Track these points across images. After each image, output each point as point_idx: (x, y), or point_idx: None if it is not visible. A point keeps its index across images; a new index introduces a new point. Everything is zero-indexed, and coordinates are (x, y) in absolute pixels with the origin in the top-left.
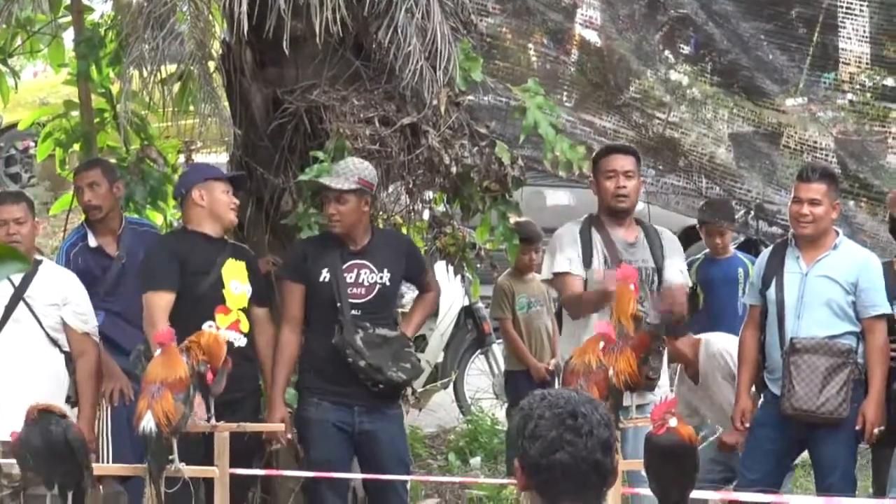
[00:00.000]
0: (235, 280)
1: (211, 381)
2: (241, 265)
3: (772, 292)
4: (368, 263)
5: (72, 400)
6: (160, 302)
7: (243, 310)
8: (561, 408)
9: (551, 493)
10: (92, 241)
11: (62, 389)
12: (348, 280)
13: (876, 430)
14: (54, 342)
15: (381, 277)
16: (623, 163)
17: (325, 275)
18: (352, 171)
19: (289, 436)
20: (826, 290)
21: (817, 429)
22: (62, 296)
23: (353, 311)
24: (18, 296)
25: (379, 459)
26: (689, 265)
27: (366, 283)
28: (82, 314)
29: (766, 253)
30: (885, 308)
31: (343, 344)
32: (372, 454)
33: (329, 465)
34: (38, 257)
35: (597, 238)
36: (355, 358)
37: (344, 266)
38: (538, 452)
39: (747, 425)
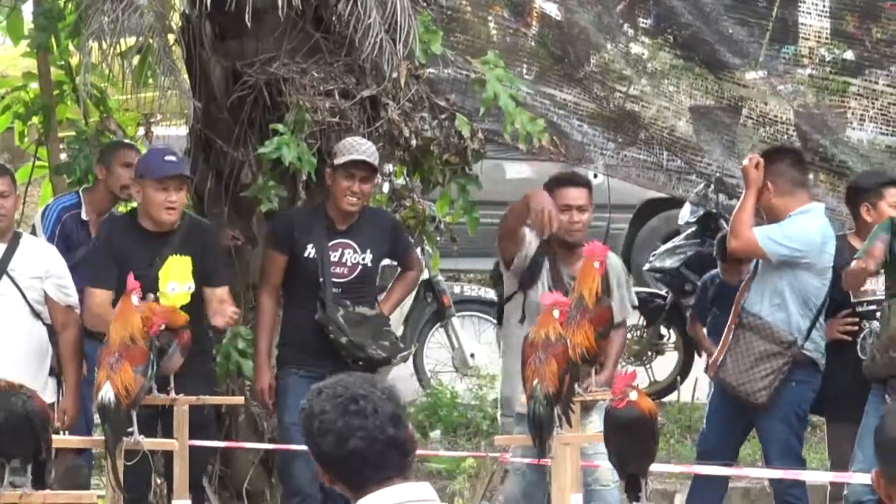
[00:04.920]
0: (173, 281)
1: (186, 340)
2: (186, 261)
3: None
4: (353, 243)
5: (55, 371)
6: (97, 298)
7: (184, 306)
8: (340, 396)
9: (355, 481)
10: (84, 214)
11: (46, 362)
12: (332, 258)
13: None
14: (37, 315)
15: (364, 258)
16: (576, 195)
17: (310, 250)
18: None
19: (270, 403)
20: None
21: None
22: (45, 268)
23: (335, 290)
24: (1, 269)
25: None
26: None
27: (348, 263)
28: (65, 287)
29: None
30: None
31: (326, 320)
32: None
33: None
34: (18, 230)
35: (545, 266)
36: (337, 335)
37: (330, 244)
38: (332, 447)
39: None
